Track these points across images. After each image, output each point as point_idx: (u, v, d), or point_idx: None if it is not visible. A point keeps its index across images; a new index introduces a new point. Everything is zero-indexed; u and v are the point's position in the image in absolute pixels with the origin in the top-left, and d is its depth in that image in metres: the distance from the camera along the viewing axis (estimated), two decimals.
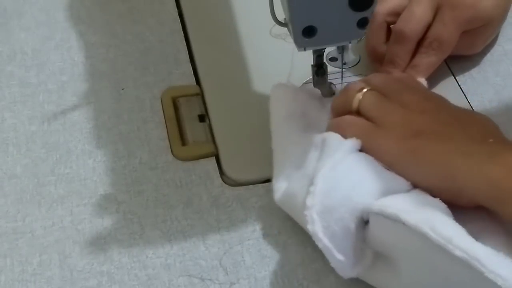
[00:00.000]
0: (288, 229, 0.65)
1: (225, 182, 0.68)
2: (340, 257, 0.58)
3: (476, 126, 0.60)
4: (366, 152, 0.61)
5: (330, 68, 0.73)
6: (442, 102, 0.63)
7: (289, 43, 0.68)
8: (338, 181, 0.59)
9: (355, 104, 0.63)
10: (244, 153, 0.71)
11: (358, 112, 0.63)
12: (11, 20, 0.83)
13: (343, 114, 0.64)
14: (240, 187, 0.68)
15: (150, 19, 0.83)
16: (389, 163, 0.60)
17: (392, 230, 0.56)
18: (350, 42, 0.68)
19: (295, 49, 0.66)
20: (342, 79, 0.74)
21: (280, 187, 0.64)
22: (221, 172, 0.69)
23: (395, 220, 0.55)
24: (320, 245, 0.58)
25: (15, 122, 0.74)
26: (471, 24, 0.72)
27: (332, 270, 0.62)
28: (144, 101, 0.75)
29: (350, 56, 0.77)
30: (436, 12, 0.72)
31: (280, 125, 0.67)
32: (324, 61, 0.70)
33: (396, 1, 0.74)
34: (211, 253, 0.63)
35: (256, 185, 0.68)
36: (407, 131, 0.60)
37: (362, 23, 0.65)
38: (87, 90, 0.76)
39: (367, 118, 0.62)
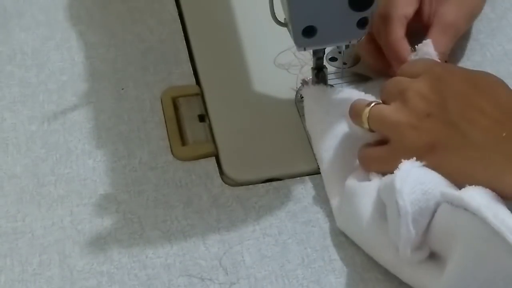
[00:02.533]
0: (288, 229, 0.65)
1: (225, 182, 0.68)
2: (413, 230, 0.57)
3: (486, 110, 0.59)
4: None
5: (330, 68, 0.73)
6: (445, 87, 0.61)
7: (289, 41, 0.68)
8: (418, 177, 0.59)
9: (365, 125, 0.63)
10: (244, 153, 0.71)
11: (371, 131, 0.63)
12: (11, 20, 0.83)
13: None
14: (240, 187, 0.68)
15: (150, 19, 0.83)
16: None
17: (454, 216, 0.56)
18: (350, 42, 0.68)
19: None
20: (342, 79, 0.74)
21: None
22: (221, 172, 0.69)
23: (458, 206, 0.55)
24: (402, 211, 0.57)
25: (15, 122, 0.74)
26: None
27: (332, 270, 0.62)
28: (144, 101, 0.75)
29: (350, 56, 0.77)
30: None
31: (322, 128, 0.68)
32: (324, 63, 0.70)
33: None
34: (211, 253, 0.63)
35: (256, 185, 0.68)
36: (420, 148, 0.59)
37: (362, 23, 0.65)
38: (87, 90, 0.76)
39: (382, 134, 0.63)
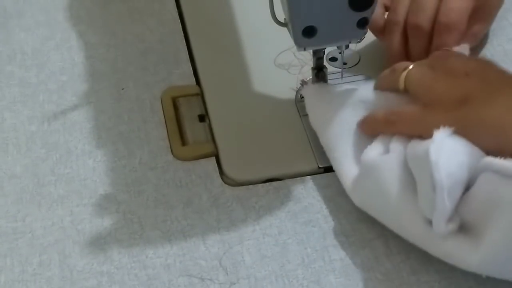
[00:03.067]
0: (288, 229, 0.65)
1: (225, 182, 0.68)
2: (448, 204, 0.57)
3: None
4: (422, 138, 0.61)
5: (330, 68, 0.73)
6: (487, 62, 0.63)
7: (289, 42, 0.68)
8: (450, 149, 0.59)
9: (401, 84, 0.64)
10: (244, 153, 0.71)
11: (406, 91, 0.64)
12: (11, 20, 0.83)
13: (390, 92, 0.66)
14: (240, 187, 0.68)
15: (150, 19, 0.83)
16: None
17: (501, 185, 0.56)
18: (350, 42, 0.68)
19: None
20: (342, 79, 0.74)
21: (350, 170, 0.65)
22: (221, 172, 0.69)
23: (505, 175, 0.55)
24: (438, 185, 0.57)
25: (15, 122, 0.74)
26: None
27: (332, 270, 0.62)
28: (144, 101, 0.75)
29: (350, 56, 0.77)
30: None
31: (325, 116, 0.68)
32: (324, 63, 0.70)
33: None
34: (211, 253, 0.63)
35: (256, 185, 0.68)
36: (452, 101, 0.60)
37: (362, 23, 0.65)
38: (87, 90, 0.76)
39: (415, 96, 0.63)
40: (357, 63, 0.77)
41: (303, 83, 0.72)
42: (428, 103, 0.62)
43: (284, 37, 0.68)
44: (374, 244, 0.64)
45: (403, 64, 0.66)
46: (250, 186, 0.68)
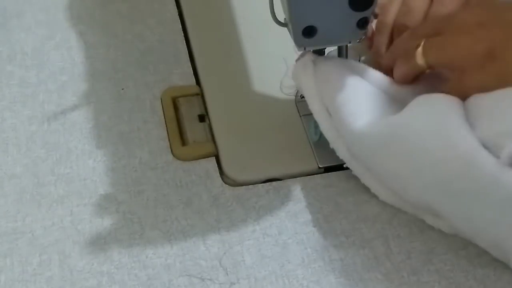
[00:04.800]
0: (288, 229, 0.65)
1: (225, 182, 0.68)
2: None
3: None
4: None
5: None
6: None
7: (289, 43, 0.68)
8: None
9: (421, 61, 0.63)
10: (244, 153, 0.71)
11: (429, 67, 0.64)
12: (11, 20, 0.83)
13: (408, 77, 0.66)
14: (240, 187, 0.68)
15: (150, 19, 0.83)
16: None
17: None
18: (350, 42, 0.68)
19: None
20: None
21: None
22: (221, 172, 0.69)
23: None
24: None
25: (15, 122, 0.74)
26: (468, 3, 0.72)
27: (332, 270, 0.62)
28: (144, 101, 0.75)
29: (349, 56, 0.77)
30: None
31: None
32: None
33: None
34: (211, 253, 0.63)
35: (256, 185, 0.68)
36: (479, 59, 0.60)
37: (362, 23, 0.65)
38: (87, 90, 0.76)
39: (442, 68, 0.63)
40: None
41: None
42: (457, 69, 0.62)
43: (284, 37, 0.68)
44: (374, 244, 0.64)
45: (408, 45, 0.65)
46: (250, 186, 0.68)
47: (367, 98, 0.65)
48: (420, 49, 0.64)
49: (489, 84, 0.59)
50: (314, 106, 0.68)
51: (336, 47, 0.70)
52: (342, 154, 0.66)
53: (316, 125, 0.69)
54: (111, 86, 0.76)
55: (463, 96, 0.61)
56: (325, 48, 0.69)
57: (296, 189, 0.68)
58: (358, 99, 0.65)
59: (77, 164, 0.70)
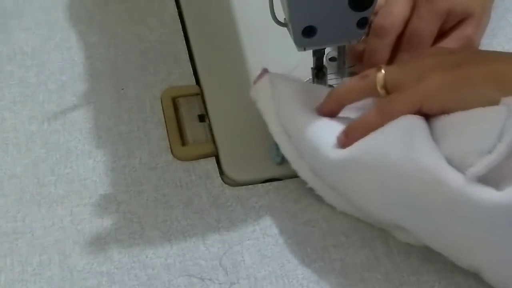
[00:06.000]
0: (288, 229, 0.65)
1: (225, 182, 0.68)
2: None
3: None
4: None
5: (330, 68, 0.73)
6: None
7: (289, 43, 0.68)
8: None
9: (380, 83, 0.62)
10: (244, 153, 0.71)
11: (386, 92, 0.62)
12: (11, 20, 0.83)
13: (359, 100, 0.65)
14: (240, 187, 0.68)
15: (150, 19, 0.83)
16: (439, 100, 0.60)
17: None
18: (350, 42, 0.68)
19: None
20: (341, 79, 0.74)
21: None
22: (221, 172, 0.69)
23: None
24: None
25: (15, 122, 0.74)
26: (449, 17, 0.72)
27: (332, 270, 0.62)
28: (144, 101, 0.75)
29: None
30: (414, 7, 0.73)
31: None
32: (324, 63, 0.70)
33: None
34: (211, 253, 0.63)
35: (256, 185, 0.68)
36: (448, 66, 0.60)
37: (362, 23, 0.65)
38: (87, 90, 0.76)
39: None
40: (357, 63, 0.77)
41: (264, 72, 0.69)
42: (421, 79, 0.61)
43: (284, 37, 0.68)
44: (374, 244, 0.64)
45: (370, 69, 0.64)
46: (250, 186, 0.68)
47: (327, 121, 0.65)
48: (380, 73, 0.62)
49: (451, 88, 0.59)
50: (274, 128, 0.67)
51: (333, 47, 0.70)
52: (304, 175, 0.66)
53: (277, 147, 0.68)
54: (111, 86, 0.76)
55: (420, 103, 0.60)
56: (325, 48, 0.69)
57: (296, 189, 0.67)
58: (318, 122, 0.65)
59: (77, 164, 0.70)
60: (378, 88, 0.62)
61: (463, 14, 0.73)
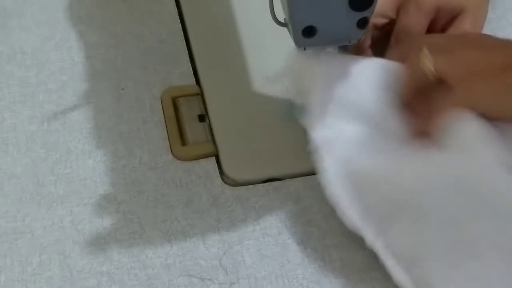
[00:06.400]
0: (288, 229, 0.65)
1: (225, 182, 0.68)
2: None
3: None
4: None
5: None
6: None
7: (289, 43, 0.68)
8: None
9: (429, 71, 0.62)
10: (244, 153, 0.71)
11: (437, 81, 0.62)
12: (11, 20, 0.83)
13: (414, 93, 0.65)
14: (240, 187, 0.68)
15: (150, 19, 0.83)
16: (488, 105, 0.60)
17: None
18: (350, 42, 0.68)
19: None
20: None
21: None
22: (221, 172, 0.69)
23: None
24: None
25: (15, 122, 0.74)
26: (439, 12, 0.72)
27: (332, 270, 0.62)
28: (144, 101, 0.75)
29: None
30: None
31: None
32: None
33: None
34: (211, 253, 0.63)
35: (256, 185, 0.68)
36: (496, 69, 0.60)
37: (362, 23, 0.65)
38: (87, 90, 0.76)
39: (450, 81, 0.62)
40: None
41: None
42: (466, 78, 0.61)
43: (284, 37, 0.68)
44: None
45: (411, 51, 0.65)
46: (250, 186, 0.68)
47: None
48: (425, 59, 0.62)
49: (501, 93, 0.59)
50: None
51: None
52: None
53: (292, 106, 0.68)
54: (111, 86, 0.76)
55: (468, 108, 0.61)
56: (325, 48, 0.69)
57: (296, 189, 0.68)
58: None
59: (77, 164, 0.70)
60: (430, 77, 0.63)
61: (454, 10, 0.73)
